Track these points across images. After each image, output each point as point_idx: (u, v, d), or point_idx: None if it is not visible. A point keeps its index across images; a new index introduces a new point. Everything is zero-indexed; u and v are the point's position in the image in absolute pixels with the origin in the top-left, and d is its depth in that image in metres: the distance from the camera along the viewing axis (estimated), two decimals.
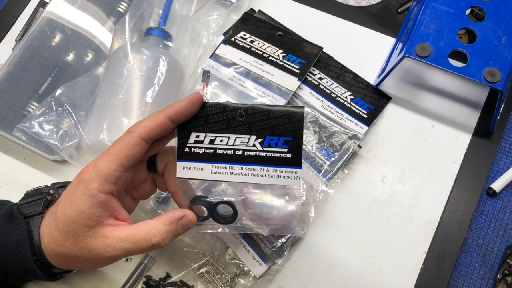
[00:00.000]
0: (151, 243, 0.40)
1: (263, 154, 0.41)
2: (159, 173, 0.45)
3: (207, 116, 0.41)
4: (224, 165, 0.41)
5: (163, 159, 0.44)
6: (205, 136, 0.41)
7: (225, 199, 0.45)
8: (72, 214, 0.40)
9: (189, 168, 0.42)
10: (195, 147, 0.41)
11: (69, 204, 0.40)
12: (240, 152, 0.41)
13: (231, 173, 0.42)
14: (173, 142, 0.43)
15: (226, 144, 0.41)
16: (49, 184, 0.49)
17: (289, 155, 0.41)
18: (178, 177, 0.42)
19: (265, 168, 0.41)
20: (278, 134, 0.41)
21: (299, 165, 0.41)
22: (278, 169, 0.41)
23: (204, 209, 0.45)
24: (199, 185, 0.46)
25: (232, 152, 0.41)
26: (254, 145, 0.41)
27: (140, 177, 0.45)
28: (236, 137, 0.41)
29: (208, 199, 0.44)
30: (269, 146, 0.41)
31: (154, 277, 0.53)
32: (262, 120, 0.41)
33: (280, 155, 0.41)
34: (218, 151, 0.41)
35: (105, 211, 0.40)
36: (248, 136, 0.41)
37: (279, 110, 0.40)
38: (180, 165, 0.42)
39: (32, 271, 0.43)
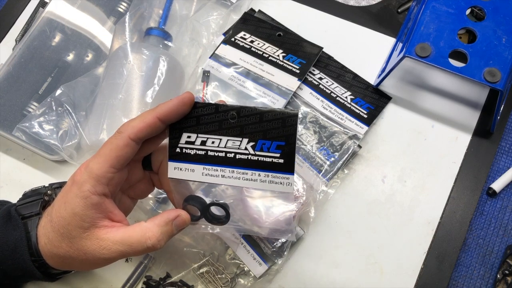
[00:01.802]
0: (146, 246, 0.40)
1: (255, 158, 0.40)
2: (155, 171, 0.45)
3: (199, 117, 0.40)
4: (215, 168, 0.41)
5: (158, 157, 0.44)
6: (197, 137, 0.40)
7: (218, 200, 0.44)
8: (66, 216, 0.40)
9: (180, 169, 0.41)
10: (186, 148, 0.41)
11: (64, 206, 0.40)
12: (232, 155, 0.40)
13: (222, 176, 0.41)
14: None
15: (218, 146, 0.40)
16: (47, 185, 0.49)
17: (281, 161, 0.40)
18: (170, 178, 0.42)
19: (257, 172, 0.40)
20: (271, 138, 0.39)
21: (291, 172, 0.40)
22: (270, 174, 0.40)
23: (197, 210, 0.45)
24: (199, 185, 0.46)
25: (223, 154, 0.40)
26: (246, 149, 0.40)
27: (135, 176, 0.45)
28: (228, 139, 0.40)
29: (201, 200, 0.44)
30: (261, 150, 0.40)
31: (154, 277, 0.53)
32: (254, 123, 0.39)
33: (272, 160, 0.40)
34: (210, 153, 0.40)
35: (99, 213, 0.40)
36: (240, 139, 0.40)
37: (272, 113, 0.39)
38: (171, 165, 0.41)
39: (30, 271, 0.43)
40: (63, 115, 0.56)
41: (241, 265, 0.52)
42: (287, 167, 0.40)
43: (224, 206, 0.44)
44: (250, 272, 0.52)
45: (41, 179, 0.58)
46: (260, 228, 0.47)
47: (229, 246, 0.52)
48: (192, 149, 0.41)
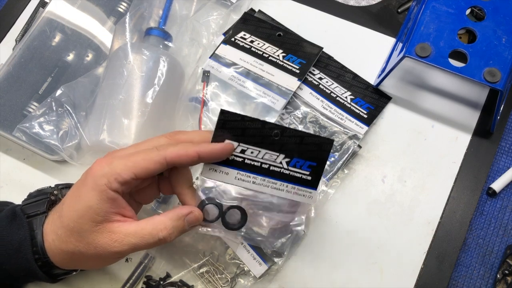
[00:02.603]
0: (158, 238, 0.41)
1: (287, 172, 0.44)
2: (165, 175, 0.45)
3: (245, 129, 0.43)
4: (248, 174, 0.44)
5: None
6: (238, 145, 0.44)
7: (236, 203, 0.46)
8: (79, 209, 0.40)
9: (215, 170, 0.44)
10: None
11: (76, 200, 0.41)
12: (267, 166, 0.44)
13: (254, 182, 0.44)
14: None
15: (256, 157, 0.44)
16: (52, 185, 0.49)
17: (309, 178, 0.45)
18: (203, 177, 0.44)
19: (285, 183, 0.45)
20: (305, 158, 0.44)
21: (315, 187, 0.45)
22: (296, 187, 0.45)
23: (214, 212, 0.45)
24: (200, 184, 0.46)
25: (259, 164, 0.44)
26: (281, 163, 0.44)
27: (145, 181, 0.45)
28: (266, 152, 0.44)
29: (219, 203, 0.45)
30: (294, 166, 0.44)
31: (154, 277, 0.53)
32: (294, 144, 0.44)
33: (301, 176, 0.45)
34: (247, 161, 0.44)
35: (113, 208, 0.40)
36: (278, 154, 0.44)
37: (313, 137, 0.44)
38: (207, 166, 0.44)
39: (32, 271, 0.43)
40: (63, 115, 0.56)
41: (241, 265, 0.52)
42: (313, 183, 0.45)
43: (242, 209, 0.46)
44: (250, 272, 0.52)
45: (41, 179, 0.58)
46: (263, 229, 0.48)
47: (229, 246, 0.53)
48: (231, 155, 0.44)
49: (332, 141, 0.44)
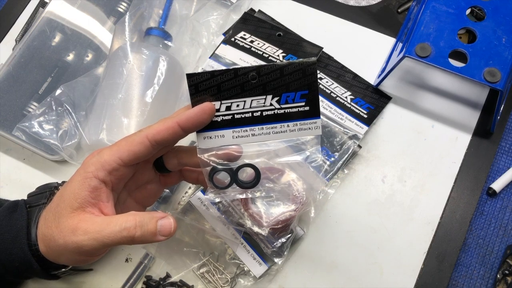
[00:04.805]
0: (122, 236, 0.39)
1: (282, 111, 0.42)
2: (172, 169, 0.45)
3: (219, 84, 0.41)
4: (244, 129, 0.42)
5: (172, 159, 0.45)
6: (221, 104, 0.41)
7: (246, 161, 0.44)
8: (64, 193, 0.41)
9: (210, 137, 0.42)
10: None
11: (66, 185, 0.41)
12: (258, 113, 0.42)
13: (253, 135, 0.42)
14: (181, 142, 0.44)
15: (243, 108, 0.42)
16: (60, 181, 0.51)
17: (307, 108, 0.42)
18: (200, 148, 0.42)
19: (285, 124, 0.42)
20: (294, 89, 0.41)
21: (317, 116, 0.42)
22: (298, 122, 0.42)
23: (225, 177, 0.44)
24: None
25: (250, 114, 0.42)
26: (271, 104, 0.42)
27: (144, 177, 0.46)
28: (252, 100, 0.41)
29: (228, 166, 0.44)
30: (286, 102, 0.42)
31: (154, 277, 0.53)
32: (276, 79, 0.41)
33: (298, 109, 0.42)
34: (236, 116, 0.42)
35: (92, 197, 0.40)
36: (264, 97, 0.41)
37: (292, 65, 0.41)
38: (200, 136, 0.42)
39: (27, 261, 0.43)
40: (63, 114, 0.56)
41: (241, 265, 0.52)
42: (313, 112, 0.42)
43: (253, 166, 0.44)
44: (250, 272, 0.52)
45: (41, 179, 0.58)
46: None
47: (229, 246, 0.52)
48: (218, 116, 0.42)
49: (315, 61, 0.40)
